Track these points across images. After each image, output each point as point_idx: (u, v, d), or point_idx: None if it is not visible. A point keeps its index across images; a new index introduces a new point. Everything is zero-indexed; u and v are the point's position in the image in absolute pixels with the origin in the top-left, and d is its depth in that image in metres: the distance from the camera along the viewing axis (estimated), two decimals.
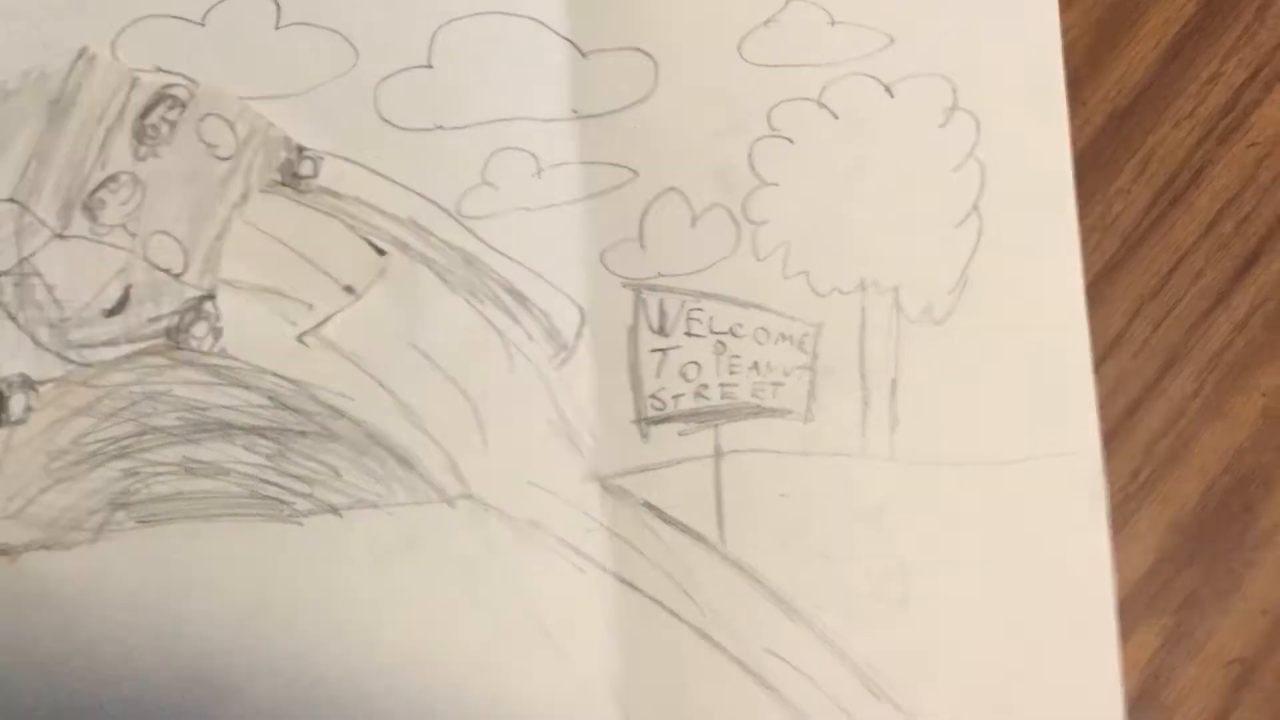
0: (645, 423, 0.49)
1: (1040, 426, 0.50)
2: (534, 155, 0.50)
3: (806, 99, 0.51)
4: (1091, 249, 0.52)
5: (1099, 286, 0.52)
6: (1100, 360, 0.52)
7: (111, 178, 0.47)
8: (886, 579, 0.49)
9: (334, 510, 0.47)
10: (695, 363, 0.49)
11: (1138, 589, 0.51)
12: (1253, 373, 0.52)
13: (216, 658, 0.46)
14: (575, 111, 0.50)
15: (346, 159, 0.49)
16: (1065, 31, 0.53)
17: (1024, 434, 0.50)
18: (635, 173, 0.50)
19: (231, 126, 0.48)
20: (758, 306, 0.50)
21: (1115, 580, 0.50)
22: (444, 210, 0.49)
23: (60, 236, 0.47)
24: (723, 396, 0.49)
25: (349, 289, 0.48)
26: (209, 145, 0.48)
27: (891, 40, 0.52)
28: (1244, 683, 0.50)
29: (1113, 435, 0.51)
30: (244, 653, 0.46)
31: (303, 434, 0.48)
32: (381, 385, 0.48)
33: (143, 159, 0.47)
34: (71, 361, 0.47)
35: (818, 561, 0.49)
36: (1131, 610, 0.50)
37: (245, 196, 0.47)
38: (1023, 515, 0.50)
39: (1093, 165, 0.53)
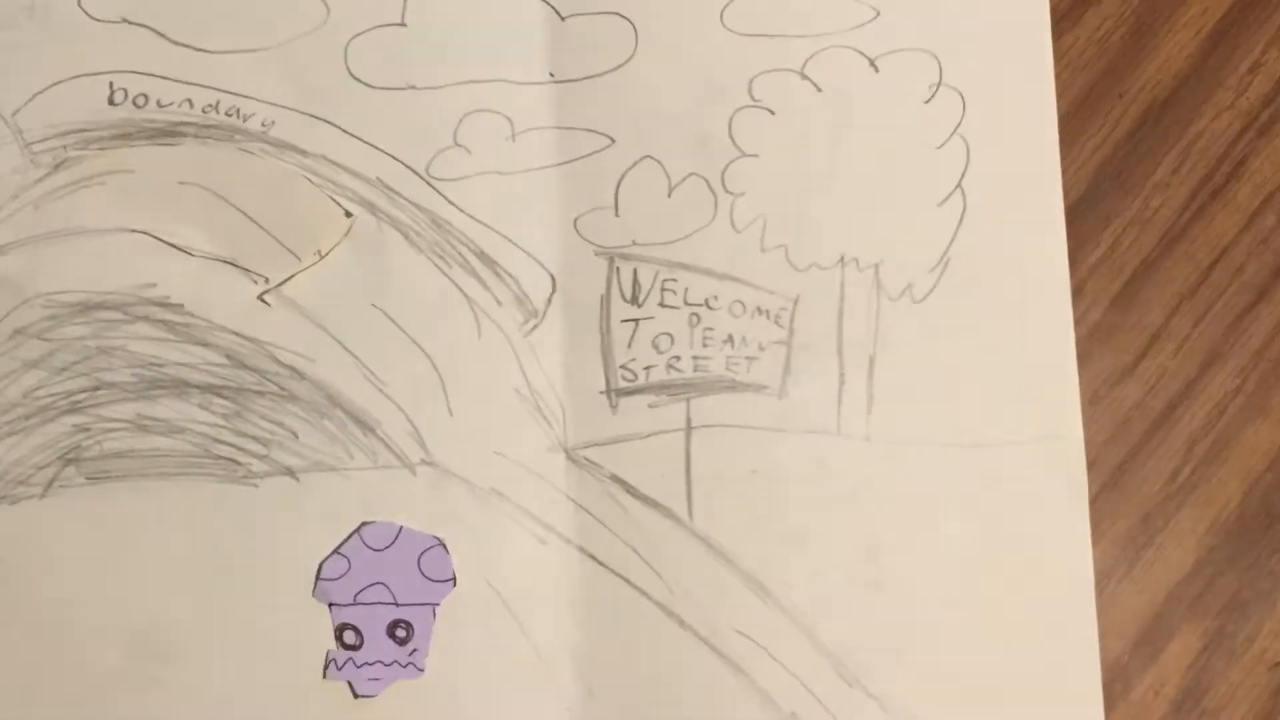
0: (615, 394, 0.53)
1: (1020, 409, 0.53)
2: (508, 119, 0.54)
3: (789, 70, 0.55)
4: (1129, 244, 0.55)
5: (1137, 282, 0.55)
6: (1139, 357, 0.55)
7: None
8: (860, 561, 0.52)
9: (290, 473, 0.51)
10: (668, 334, 0.53)
11: (1179, 591, 0.53)
12: None
13: (164, 618, 0.49)
14: (552, 75, 0.54)
15: (314, 116, 0.53)
16: (1102, 23, 0.57)
17: (1004, 416, 0.53)
18: (612, 139, 0.54)
19: None
20: (734, 279, 0.53)
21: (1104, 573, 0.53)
22: (413, 171, 0.53)
23: None
24: (695, 369, 0.53)
25: (313, 249, 0.52)
26: None
27: (877, 14, 0.55)
28: None
29: (1152, 434, 0.54)
30: (192, 614, 0.50)
31: (260, 394, 0.51)
32: (344, 347, 0.52)
33: None
34: None
35: (789, 541, 0.52)
36: (1173, 613, 0.53)
37: None
38: (1001, 499, 0.53)
39: (1130, 158, 0.56)
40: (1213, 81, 0.57)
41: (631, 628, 0.50)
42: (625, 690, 0.50)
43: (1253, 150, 0.56)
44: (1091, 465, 0.53)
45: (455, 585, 0.50)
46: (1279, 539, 0.54)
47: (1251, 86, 0.57)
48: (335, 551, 0.49)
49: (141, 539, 0.49)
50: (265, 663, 0.49)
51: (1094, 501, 0.53)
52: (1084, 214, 0.56)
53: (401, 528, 0.49)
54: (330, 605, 0.49)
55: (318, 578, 0.49)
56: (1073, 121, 0.56)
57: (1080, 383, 0.53)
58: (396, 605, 0.49)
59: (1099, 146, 0.56)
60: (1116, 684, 0.52)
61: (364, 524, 0.49)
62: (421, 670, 0.49)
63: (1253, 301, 0.55)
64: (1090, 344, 0.55)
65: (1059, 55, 0.56)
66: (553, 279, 0.52)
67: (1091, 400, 0.54)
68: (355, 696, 0.49)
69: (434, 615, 0.49)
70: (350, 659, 0.49)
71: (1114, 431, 0.54)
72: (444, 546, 0.50)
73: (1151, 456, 0.54)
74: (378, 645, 0.49)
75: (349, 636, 0.49)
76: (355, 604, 0.49)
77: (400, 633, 0.49)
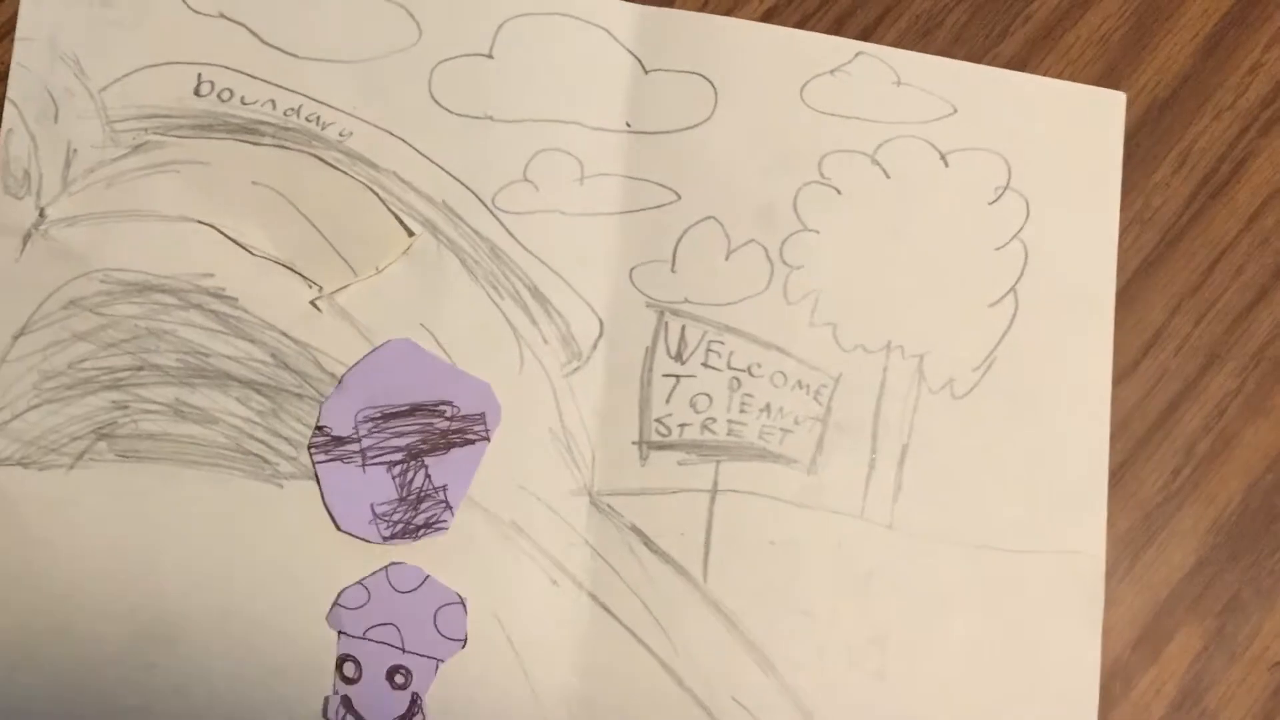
0: (647, 446, 0.54)
1: (1047, 520, 0.54)
2: (580, 161, 0.55)
3: (861, 153, 0.56)
4: (1130, 244, 0.56)
5: (1138, 282, 0.56)
6: (1140, 357, 0.56)
7: None
8: (866, 648, 0.53)
9: (316, 478, 0.52)
10: (707, 395, 0.54)
11: (1180, 590, 0.54)
12: None
13: (170, 604, 0.50)
14: (629, 125, 0.56)
15: (391, 133, 0.54)
16: (1103, 22, 0.58)
17: (1029, 525, 0.54)
18: (678, 195, 0.55)
19: None
20: (779, 349, 0.55)
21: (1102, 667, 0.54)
22: (479, 199, 0.54)
23: None
24: (729, 433, 0.54)
25: (371, 263, 0.53)
26: None
27: (954, 110, 0.57)
28: None
29: (1153, 433, 0.55)
30: (201, 604, 0.50)
31: (299, 397, 0.52)
32: None
33: None
34: None
35: (798, 617, 0.53)
36: (1174, 612, 0.54)
37: None
38: (1014, 606, 0.53)
39: (1131, 158, 0.57)
40: (1213, 82, 0.58)
41: (630, 680, 0.51)
42: None
43: (1253, 151, 0.57)
44: None
45: (465, 646, 0.51)
46: (1279, 539, 0.54)
47: (1251, 87, 0.58)
48: (358, 582, 0.50)
49: (161, 523, 0.50)
50: (265, 664, 0.50)
51: None
52: None
53: (428, 576, 0.50)
54: (339, 634, 0.49)
55: (335, 603, 0.50)
56: None
57: None
58: (403, 651, 0.50)
59: None
60: (1116, 683, 0.53)
61: (393, 563, 0.50)
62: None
63: (1253, 301, 0.56)
64: None
65: (1060, 54, 0.58)
66: (601, 324, 0.53)
67: None
68: None
69: (435, 671, 0.50)
70: (346, 696, 0.50)
71: (1115, 431, 0.55)
72: (463, 605, 0.51)
73: (1152, 456, 0.55)
74: (374, 686, 0.50)
75: (349, 669, 0.50)
76: (364, 639, 0.50)
77: (399, 679, 0.50)
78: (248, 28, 0.53)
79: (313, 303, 0.52)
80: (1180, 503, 0.54)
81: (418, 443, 0.51)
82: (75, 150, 0.52)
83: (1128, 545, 0.54)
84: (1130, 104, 0.57)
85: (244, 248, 0.51)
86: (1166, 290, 0.56)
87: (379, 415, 0.51)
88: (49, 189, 0.51)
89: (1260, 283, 0.56)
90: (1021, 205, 0.55)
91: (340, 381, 0.51)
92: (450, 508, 0.50)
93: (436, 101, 0.54)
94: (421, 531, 0.50)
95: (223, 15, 0.53)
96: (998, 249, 0.55)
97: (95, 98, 0.52)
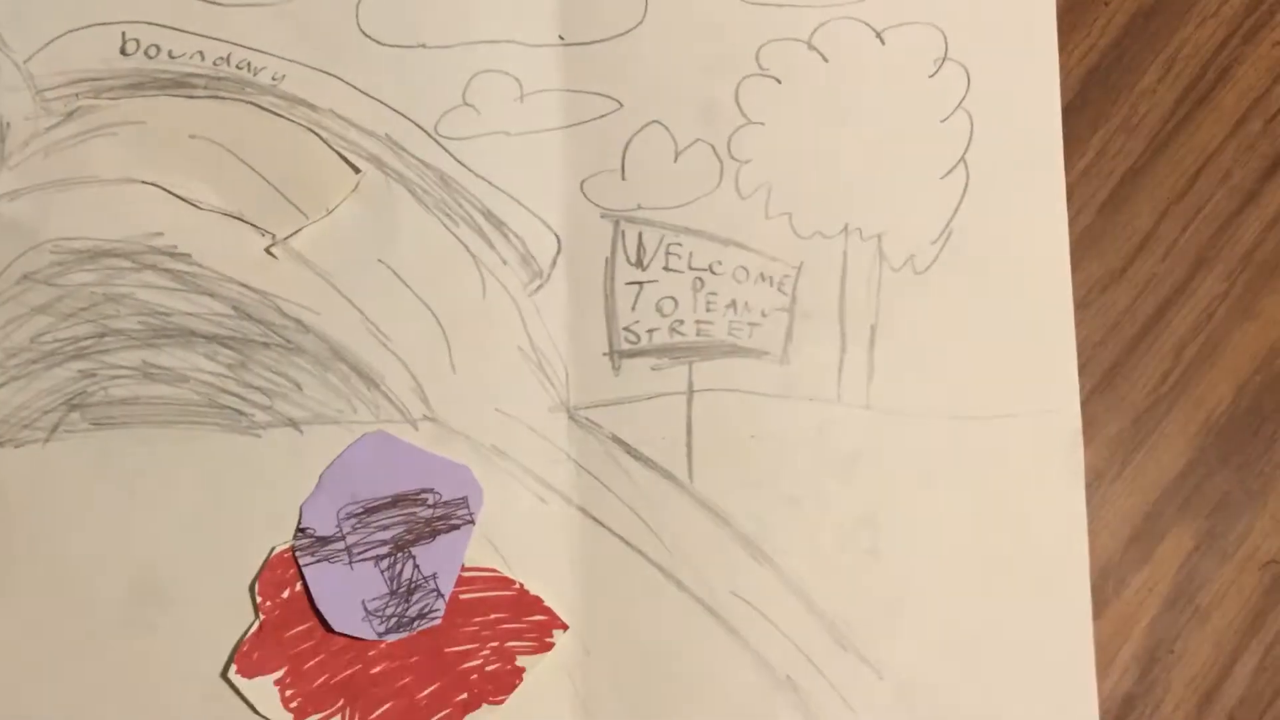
0: (618, 355, 0.54)
1: (1020, 383, 0.55)
2: (517, 80, 0.55)
3: (797, 39, 0.56)
4: (1117, 150, 0.57)
5: (1125, 188, 0.56)
6: (1128, 262, 0.56)
7: None
8: (856, 528, 0.54)
9: (293, 424, 0.52)
10: (672, 298, 0.55)
11: (1170, 491, 0.55)
12: None
13: (164, 564, 0.51)
14: (562, 38, 0.55)
15: (324, 72, 0.54)
16: None
17: (1003, 389, 0.54)
18: (619, 103, 0.55)
19: None
20: (738, 245, 0.55)
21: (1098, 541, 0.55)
22: (422, 129, 0.54)
23: None
24: (698, 333, 0.55)
25: (321, 205, 0.53)
26: None
27: None
28: None
29: (1142, 337, 0.56)
30: (193, 562, 0.51)
31: (266, 345, 0.52)
32: (349, 301, 0.53)
33: None
34: None
35: (787, 507, 0.54)
36: (1164, 513, 0.55)
37: None
38: (998, 471, 0.54)
39: (1116, 66, 0.57)
40: None
41: (629, 589, 0.52)
42: (622, 651, 0.51)
43: (1238, 57, 0.57)
44: (1083, 369, 0.55)
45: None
46: (1268, 440, 0.55)
47: None
48: None
49: (144, 485, 0.50)
50: None
51: (1085, 404, 0.54)
52: (1072, 120, 0.57)
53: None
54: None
55: None
56: (1059, 28, 0.57)
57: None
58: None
59: (1086, 54, 0.58)
60: (1109, 583, 0.54)
61: None
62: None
63: (1240, 206, 0.57)
64: (1080, 249, 0.56)
65: None
66: (558, 240, 0.53)
67: (1081, 304, 0.55)
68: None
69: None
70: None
71: (1104, 335, 0.56)
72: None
73: (1142, 359, 0.56)
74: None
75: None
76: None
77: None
78: None
79: (267, 250, 0.51)
80: (1170, 405, 0.55)
81: (403, 534, 0.51)
82: (8, 124, 0.51)
83: (1118, 448, 0.55)
84: (1115, 11, 0.57)
85: (191, 203, 0.51)
86: (1154, 196, 0.56)
87: (361, 510, 0.51)
88: None
89: (1247, 187, 0.57)
90: (962, 75, 0.56)
91: (319, 481, 0.50)
92: (442, 596, 0.50)
93: (366, 35, 0.53)
94: (416, 623, 0.50)
95: None
96: (943, 120, 0.55)
97: (21, 68, 0.51)
